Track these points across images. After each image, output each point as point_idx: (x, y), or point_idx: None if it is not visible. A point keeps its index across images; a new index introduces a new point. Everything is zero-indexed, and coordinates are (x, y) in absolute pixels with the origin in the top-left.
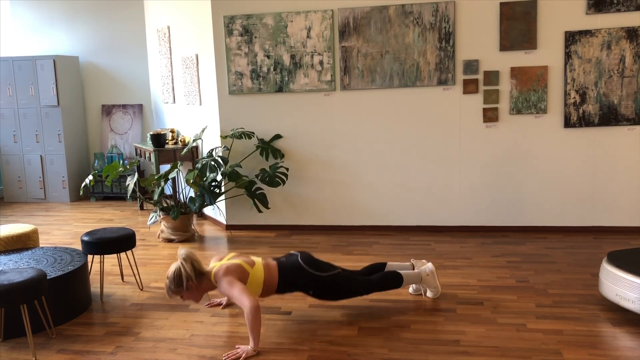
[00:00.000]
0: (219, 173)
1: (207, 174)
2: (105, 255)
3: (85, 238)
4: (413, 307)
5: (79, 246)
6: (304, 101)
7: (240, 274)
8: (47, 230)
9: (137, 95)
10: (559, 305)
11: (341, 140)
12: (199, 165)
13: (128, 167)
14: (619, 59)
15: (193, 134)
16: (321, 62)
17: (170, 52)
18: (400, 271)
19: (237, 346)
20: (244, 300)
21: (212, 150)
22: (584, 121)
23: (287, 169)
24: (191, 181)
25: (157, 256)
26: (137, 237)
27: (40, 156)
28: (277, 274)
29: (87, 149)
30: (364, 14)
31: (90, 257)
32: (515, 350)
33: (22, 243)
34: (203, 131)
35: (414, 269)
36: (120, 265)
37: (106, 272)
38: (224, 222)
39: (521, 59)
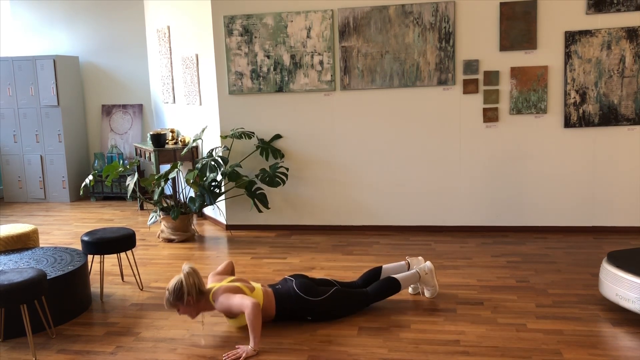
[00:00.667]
0: (219, 173)
1: (207, 174)
2: (105, 255)
3: (85, 238)
4: (413, 307)
5: (79, 246)
6: (304, 101)
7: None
8: (47, 230)
9: (137, 95)
10: (559, 305)
11: (341, 140)
12: (199, 165)
13: (128, 167)
14: (619, 59)
15: (193, 134)
16: (321, 62)
17: (170, 52)
18: (397, 275)
19: (237, 346)
20: (244, 302)
21: (212, 150)
22: (584, 121)
23: (287, 169)
24: (191, 181)
25: (157, 256)
26: (137, 237)
27: (40, 156)
28: (274, 301)
29: (87, 149)
30: (364, 14)
31: (90, 257)
32: (515, 350)
33: (22, 243)
34: (203, 131)
35: (409, 268)
36: (120, 265)
37: (106, 272)
38: (224, 222)
39: (521, 59)
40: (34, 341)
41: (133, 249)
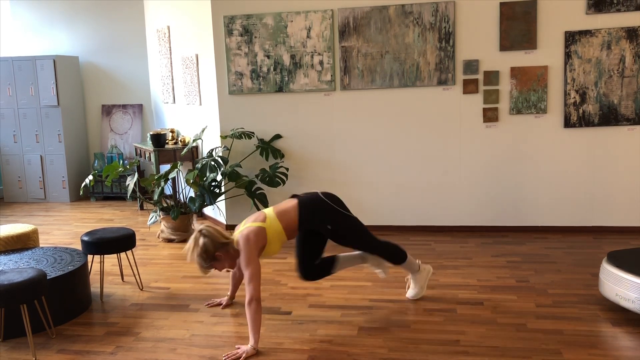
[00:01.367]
0: (219, 173)
1: (207, 174)
2: (105, 255)
3: (85, 238)
4: (413, 307)
5: (79, 246)
6: (304, 101)
7: (257, 236)
8: (47, 230)
9: (137, 95)
10: (559, 305)
11: (341, 140)
12: (199, 165)
13: (128, 167)
14: (619, 59)
15: (193, 134)
16: (321, 62)
17: (170, 52)
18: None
19: (237, 346)
20: (249, 269)
21: (212, 150)
22: (584, 121)
23: (287, 169)
24: (191, 181)
25: (157, 256)
26: (137, 237)
27: (40, 156)
28: (295, 213)
29: (87, 149)
30: (364, 14)
31: (90, 257)
32: (515, 350)
33: (22, 243)
34: (203, 131)
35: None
36: (120, 265)
37: (106, 272)
38: (224, 222)
39: (521, 59)
40: (34, 341)
41: (133, 249)
